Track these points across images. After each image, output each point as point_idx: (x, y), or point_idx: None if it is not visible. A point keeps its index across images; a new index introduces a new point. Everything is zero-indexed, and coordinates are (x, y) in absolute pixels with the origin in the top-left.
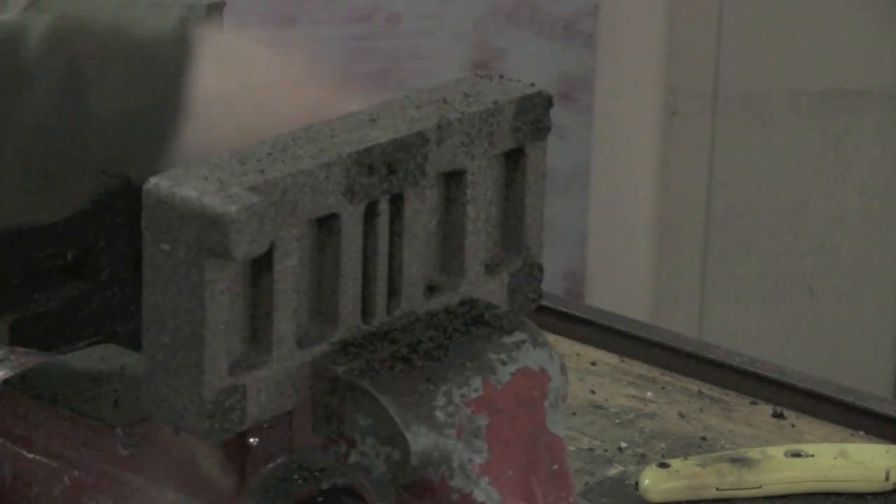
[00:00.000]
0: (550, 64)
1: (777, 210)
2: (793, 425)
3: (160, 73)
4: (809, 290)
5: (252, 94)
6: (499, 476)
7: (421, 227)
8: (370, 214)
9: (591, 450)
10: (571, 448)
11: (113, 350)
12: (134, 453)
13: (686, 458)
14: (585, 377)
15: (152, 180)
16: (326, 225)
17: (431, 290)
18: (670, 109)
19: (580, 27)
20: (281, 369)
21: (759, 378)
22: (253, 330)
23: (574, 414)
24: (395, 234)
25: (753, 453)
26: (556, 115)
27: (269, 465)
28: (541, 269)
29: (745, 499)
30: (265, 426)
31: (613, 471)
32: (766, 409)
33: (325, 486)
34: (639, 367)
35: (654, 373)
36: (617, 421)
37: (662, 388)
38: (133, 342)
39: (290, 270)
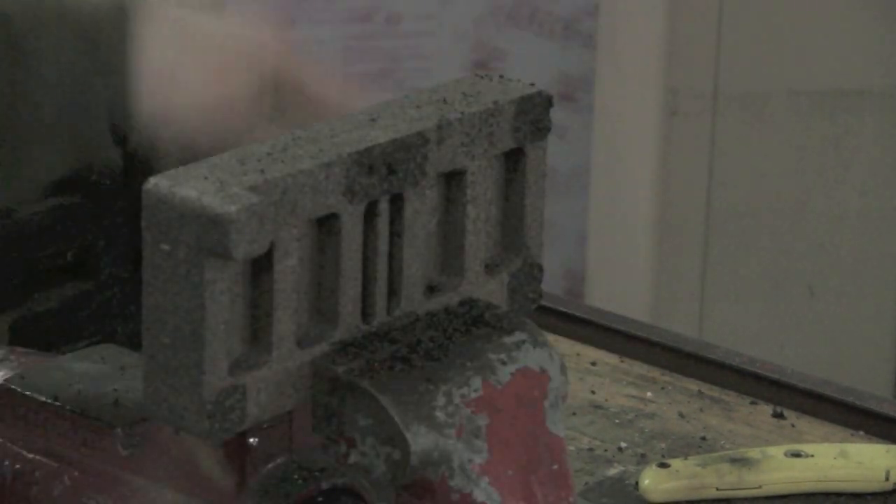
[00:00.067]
0: (550, 64)
1: (777, 210)
2: (793, 425)
3: (101, 43)
4: (809, 290)
5: (196, 62)
6: (499, 476)
7: (421, 227)
8: (370, 214)
9: (591, 450)
10: (571, 448)
11: (113, 350)
12: (134, 453)
13: (686, 458)
14: (585, 377)
15: (152, 180)
16: (326, 225)
17: (431, 290)
18: (670, 109)
19: (580, 27)
20: (281, 369)
21: (759, 378)
22: (253, 330)
23: (574, 414)
24: (395, 234)
25: (753, 453)
26: (556, 115)
27: (269, 465)
28: (541, 269)
29: (745, 499)
30: (265, 426)
31: (613, 471)
32: (766, 409)
33: (325, 486)
34: (639, 367)
35: (654, 373)
36: (617, 421)
37: (662, 388)
38: (133, 342)
39: (290, 270)
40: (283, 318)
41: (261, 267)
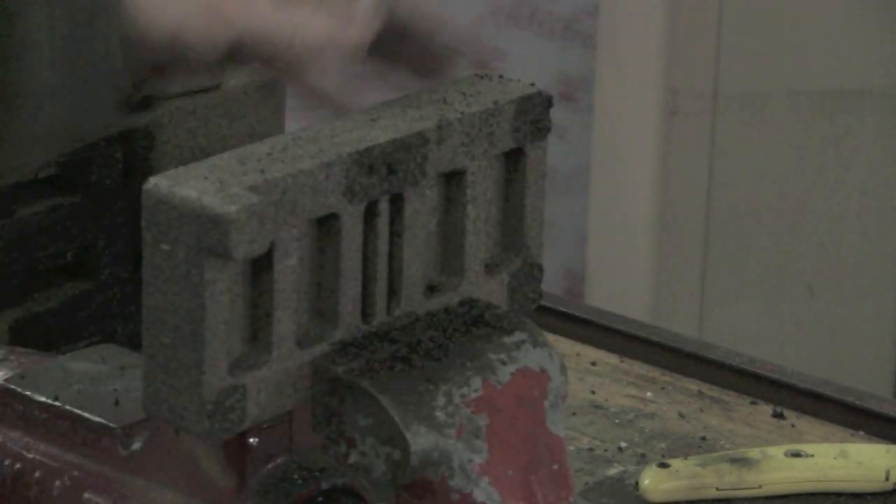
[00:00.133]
0: (550, 64)
1: (777, 210)
2: (793, 425)
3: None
4: (809, 290)
5: None
6: (499, 476)
7: (421, 227)
8: (370, 214)
9: (591, 450)
10: (571, 448)
11: (113, 350)
12: (134, 453)
13: (686, 458)
14: (585, 377)
15: (152, 180)
16: (326, 225)
17: (431, 290)
18: (670, 109)
19: (580, 27)
20: (281, 369)
21: (759, 378)
22: (253, 330)
23: (574, 414)
24: (395, 234)
25: (753, 453)
26: (556, 115)
27: (269, 465)
28: (541, 269)
29: (745, 499)
30: (265, 426)
31: (613, 471)
32: (766, 409)
33: (325, 486)
34: (639, 367)
35: (654, 373)
36: (617, 421)
37: (662, 388)
38: (133, 342)
39: (290, 270)
40: (283, 318)
41: (261, 267)
